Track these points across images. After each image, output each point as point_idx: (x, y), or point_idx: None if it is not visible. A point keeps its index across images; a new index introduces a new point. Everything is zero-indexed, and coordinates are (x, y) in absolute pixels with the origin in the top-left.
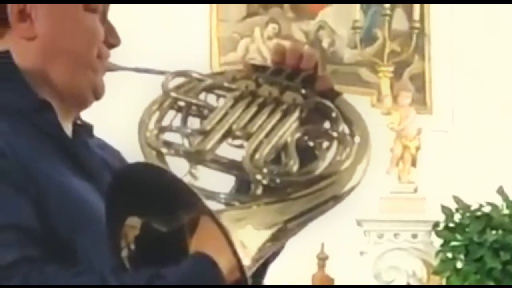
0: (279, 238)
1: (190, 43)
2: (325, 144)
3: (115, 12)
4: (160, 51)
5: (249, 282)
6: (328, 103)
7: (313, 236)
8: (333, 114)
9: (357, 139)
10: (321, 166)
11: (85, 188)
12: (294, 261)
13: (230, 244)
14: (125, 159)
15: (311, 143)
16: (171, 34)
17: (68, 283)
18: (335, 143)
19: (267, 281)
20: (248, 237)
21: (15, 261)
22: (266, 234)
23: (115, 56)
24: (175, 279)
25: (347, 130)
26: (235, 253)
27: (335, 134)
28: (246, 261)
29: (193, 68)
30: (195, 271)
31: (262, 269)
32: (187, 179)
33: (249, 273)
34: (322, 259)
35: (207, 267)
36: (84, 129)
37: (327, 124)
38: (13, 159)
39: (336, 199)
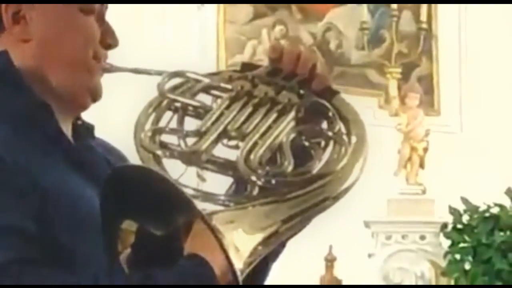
0: (271, 242)
1: (197, 45)
2: (322, 143)
3: (120, 13)
4: (167, 53)
5: (241, 283)
6: (324, 102)
7: (321, 238)
8: (330, 113)
9: (353, 138)
10: (317, 166)
11: (87, 191)
12: (302, 263)
13: (223, 247)
14: (128, 160)
15: (307, 143)
16: (178, 37)
17: (61, 283)
18: (331, 143)
19: (274, 282)
20: (241, 240)
21: (7, 261)
22: (259, 237)
23: (119, 57)
24: (168, 281)
25: (344, 129)
26: (227, 256)
27: (330, 133)
28: (238, 265)
29: (201, 71)
30: (188, 272)
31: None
32: (185, 180)
33: (241, 277)
34: (330, 261)
35: (200, 268)
36: (85, 129)
37: (325, 124)
38: (13, 163)
39: (333, 198)
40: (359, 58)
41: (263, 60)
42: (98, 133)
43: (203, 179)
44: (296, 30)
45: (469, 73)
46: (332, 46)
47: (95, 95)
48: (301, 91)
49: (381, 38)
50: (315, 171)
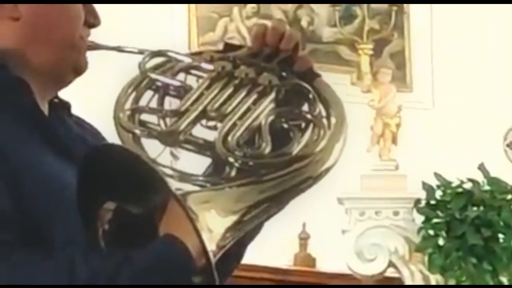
0: (243, 225)
1: (168, 23)
2: (301, 125)
3: None
4: (138, 31)
5: (214, 267)
6: (305, 84)
7: (294, 216)
8: (310, 96)
9: (333, 120)
10: (296, 148)
11: (64, 170)
12: (275, 242)
13: (195, 227)
14: (105, 139)
15: (286, 125)
16: (149, 15)
17: (36, 266)
18: (310, 125)
19: (247, 261)
20: (214, 221)
21: None
22: (230, 220)
23: (92, 35)
24: (143, 261)
25: (323, 112)
26: (199, 237)
27: (310, 116)
28: (211, 246)
29: (172, 49)
30: (163, 253)
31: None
32: (163, 160)
33: (214, 258)
34: (303, 239)
35: (175, 248)
36: (61, 107)
37: (305, 106)
38: None
39: (311, 180)
40: (331, 35)
41: (234, 38)
42: (78, 112)
43: (176, 157)
44: (267, 7)
45: (441, 49)
46: (304, 23)
47: (80, 72)
48: (283, 73)
49: (353, 15)
50: (294, 153)
